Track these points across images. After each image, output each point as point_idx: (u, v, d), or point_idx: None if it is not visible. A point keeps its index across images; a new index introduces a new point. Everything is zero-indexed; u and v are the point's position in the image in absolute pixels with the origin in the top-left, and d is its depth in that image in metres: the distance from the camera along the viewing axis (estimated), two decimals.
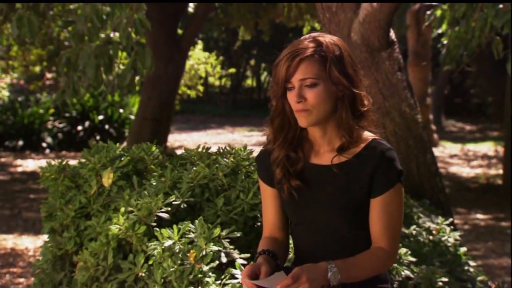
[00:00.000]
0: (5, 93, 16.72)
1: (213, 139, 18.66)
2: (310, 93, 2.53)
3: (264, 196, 2.77)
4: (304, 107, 2.54)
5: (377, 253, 2.56)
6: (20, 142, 16.05)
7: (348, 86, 2.56)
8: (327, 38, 2.59)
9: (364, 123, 2.62)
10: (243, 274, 2.49)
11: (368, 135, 2.63)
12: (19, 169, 14.11)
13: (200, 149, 3.97)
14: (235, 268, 3.20)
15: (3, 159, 15.11)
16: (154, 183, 3.73)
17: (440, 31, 7.21)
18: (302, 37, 2.62)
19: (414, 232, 4.03)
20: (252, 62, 28.68)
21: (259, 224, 3.52)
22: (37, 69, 14.86)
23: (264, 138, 2.75)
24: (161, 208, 3.48)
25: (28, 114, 16.19)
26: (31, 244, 8.24)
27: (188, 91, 19.10)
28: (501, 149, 15.74)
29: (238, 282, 3.03)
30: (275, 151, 2.66)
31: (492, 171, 15.26)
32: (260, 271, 2.49)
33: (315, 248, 2.64)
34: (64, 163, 4.13)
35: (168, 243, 3.27)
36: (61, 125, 16.50)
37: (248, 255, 3.31)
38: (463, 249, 4.20)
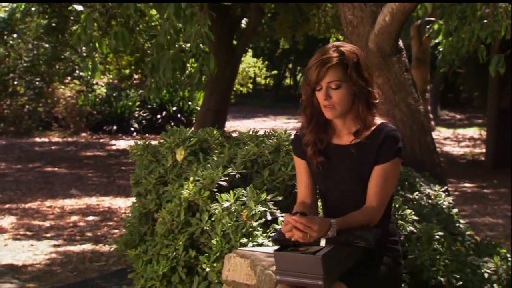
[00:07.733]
0: (103, 90, 16.89)
1: (260, 125, 18.63)
2: (335, 93, 2.49)
3: (298, 170, 2.74)
4: (330, 104, 2.51)
5: (366, 212, 2.49)
6: (114, 127, 16.22)
7: (364, 86, 2.52)
8: (347, 48, 2.53)
9: (375, 111, 2.57)
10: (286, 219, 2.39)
11: (377, 120, 2.59)
12: (114, 148, 14.27)
13: (250, 133, 3.95)
14: (277, 224, 3.18)
15: (102, 140, 15.29)
16: (215, 158, 3.73)
17: (437, 41, 7.05)
18: (327, 47, 2.55)
19: (417, 197, 3.97)
20: (290, 65, 28.53)
21: (296, 190, 3.49)
22: (127, 71, 14.93)
23: (299, 125, 2.73)
24: (221, 178, 3.47)
25: (120, 106, 16.34)
26: (123, 204, 8.34)
27: (241, 88, 19.12)
28: (484, 133, 15.45)
29: None
30: (307, 135, 2.63)
31: (477, 150, 15.01)
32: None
33: (337, 208, 2.59)
34: (147, 143, 4.15)
35: (226, 204, 3.27)
36: (144, 114, 16.62)
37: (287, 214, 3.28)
38: (454, 210, 4.12)
